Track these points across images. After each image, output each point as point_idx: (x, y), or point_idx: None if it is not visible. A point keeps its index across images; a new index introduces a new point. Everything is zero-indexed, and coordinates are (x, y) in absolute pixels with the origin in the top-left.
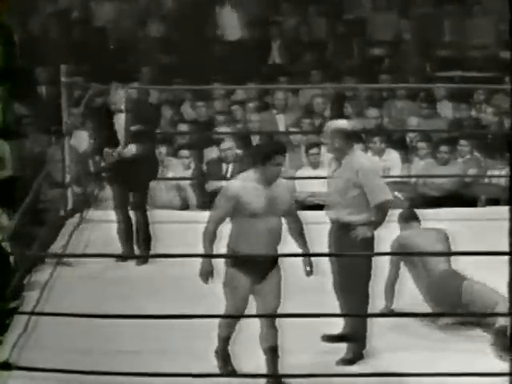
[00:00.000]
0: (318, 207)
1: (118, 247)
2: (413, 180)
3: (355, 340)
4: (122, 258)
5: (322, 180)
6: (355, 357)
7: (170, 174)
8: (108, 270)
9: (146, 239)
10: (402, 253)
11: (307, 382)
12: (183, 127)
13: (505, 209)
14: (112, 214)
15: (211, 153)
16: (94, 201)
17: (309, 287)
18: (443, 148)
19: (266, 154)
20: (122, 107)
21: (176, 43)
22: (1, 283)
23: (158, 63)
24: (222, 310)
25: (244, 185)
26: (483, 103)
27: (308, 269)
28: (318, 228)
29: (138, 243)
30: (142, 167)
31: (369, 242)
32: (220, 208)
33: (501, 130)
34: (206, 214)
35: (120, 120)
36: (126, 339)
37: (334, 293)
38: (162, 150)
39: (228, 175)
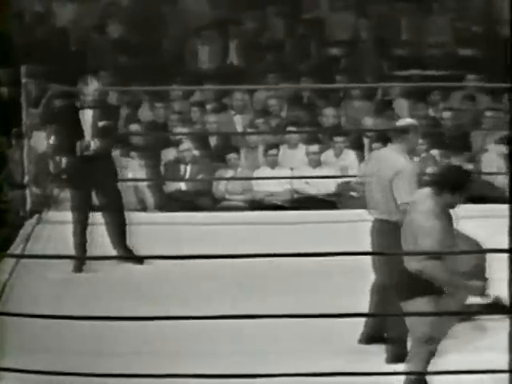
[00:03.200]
0: (276, 207)
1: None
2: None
3: (396, 341)
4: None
5: (280, 180)
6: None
7: (130, 175)
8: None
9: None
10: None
11: None
12: (138, 128)
13: (464, 206)
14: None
15: (169, 154)
16: (53, 201)
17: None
18: None
19: (462, 183)
20: (91, 102)
21: (135, 44)
22: None
23: (117, 64)
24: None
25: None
26: (440, 102)
27: None
28: (279, 228)
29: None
30: (105, 165)
31: None
32: None
33: (458, 128)
34: (164, 216)
35: (87, 116)
36: (85, 340)
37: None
38: (118, 151)
39: (186, 176)
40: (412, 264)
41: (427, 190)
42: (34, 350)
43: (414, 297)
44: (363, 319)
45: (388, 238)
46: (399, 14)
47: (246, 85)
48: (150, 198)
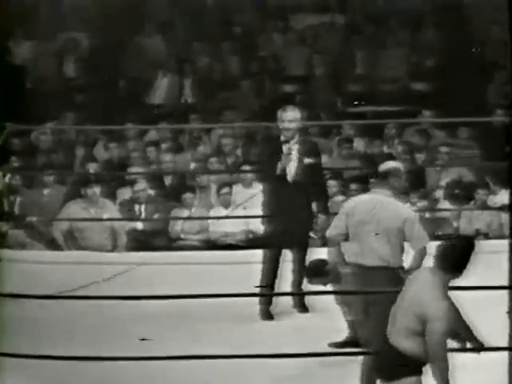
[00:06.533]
0: (230, 247)
1: (30, 286)
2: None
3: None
4: None
5: (235, 220)
6: None
7: (106, 215)
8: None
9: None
10: None
11: None
12: (95, 167)
13: None
14: (22, 254)
15: (125, 194)
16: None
17: None
18: (353, 186)
19: (468, 261)
20: (296, 138)
21: (90, 83)
22: None
23: (75, 103)
24: None
25: None
26: (395, 138)
27: None
28: (234, 268)
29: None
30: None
31: None
32: None
33: (412, 165)
34: (118, 255)
35: (290, 151)
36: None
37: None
38: (96, 190)
39: (142, 216)
40: (400, 341)
41: (428, 268)
42: None
43: (400, 377)
44: None
45: (389, 284)
46: (353, 47)
47: (201, 123)
48: (123, 238)
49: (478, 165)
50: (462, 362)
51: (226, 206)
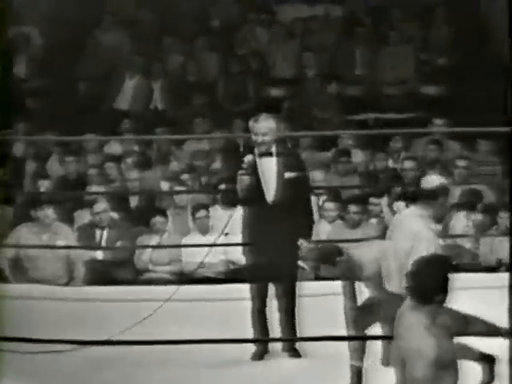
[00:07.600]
0: (209, 281)
1: None
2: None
3: None
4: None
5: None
6: None
7: (60, 242)
8: None
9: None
10: None
11: None
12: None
13: None
14: None
15: (83, 216)
16: None
17: None
18: (353, 208)
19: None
20: (273, 149)
21: (44, 86)
22: None
23: (25, 109)
24: None
25: None
26: (401, 151)
27: None
28: (215, 305)
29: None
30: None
31: None
32: None
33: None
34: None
35: (267, 164)
36: None
37: None
38: (49, 212)
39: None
40: None
41: (408, 302)
42: None
43: None
44: None
45: None
46: (352, 44)
47: (172, 133)
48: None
49: (499, 183)
50: None
51: (204, 231)
